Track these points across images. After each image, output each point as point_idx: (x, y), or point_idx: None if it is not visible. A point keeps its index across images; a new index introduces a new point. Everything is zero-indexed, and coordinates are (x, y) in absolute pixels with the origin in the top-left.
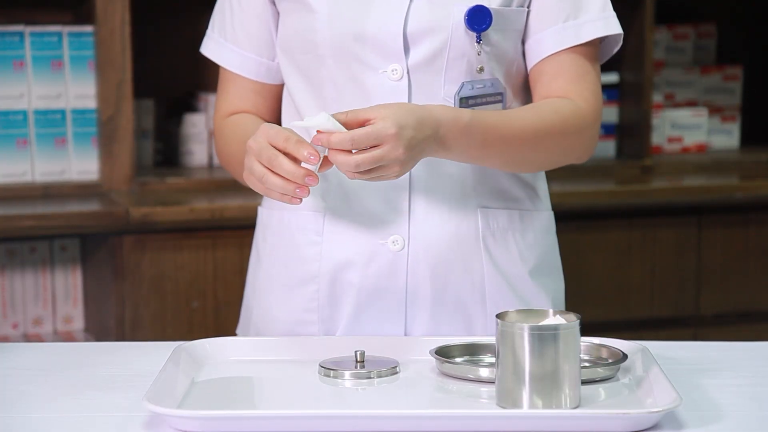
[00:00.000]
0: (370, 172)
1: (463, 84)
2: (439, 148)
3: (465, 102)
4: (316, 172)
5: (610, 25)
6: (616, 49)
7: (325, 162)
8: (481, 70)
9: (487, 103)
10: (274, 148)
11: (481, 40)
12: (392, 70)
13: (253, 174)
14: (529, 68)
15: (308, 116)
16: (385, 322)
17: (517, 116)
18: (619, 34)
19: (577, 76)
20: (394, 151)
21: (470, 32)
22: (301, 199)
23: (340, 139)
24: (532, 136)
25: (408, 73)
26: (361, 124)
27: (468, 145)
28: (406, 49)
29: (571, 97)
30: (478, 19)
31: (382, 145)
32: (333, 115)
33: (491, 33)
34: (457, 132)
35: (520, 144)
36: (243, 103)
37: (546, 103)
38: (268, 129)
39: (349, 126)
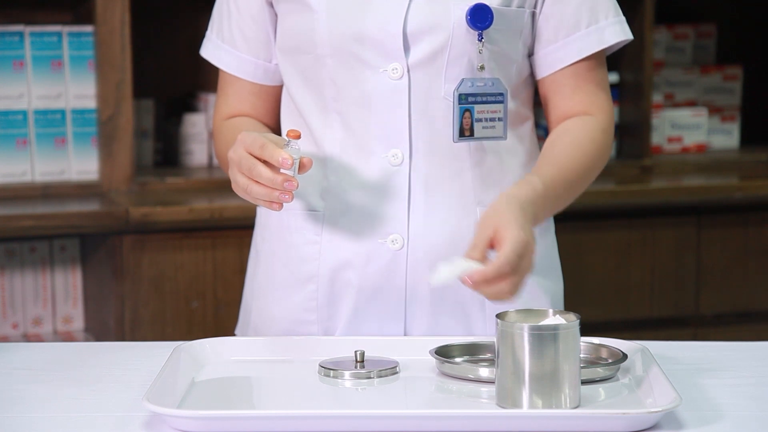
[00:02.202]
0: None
1: (462, 80)
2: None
3: (464, 99)
4: (295, 176)
5: (626, 30)
6: (613, 50)
7: (302, 164)
8: (482, 68)
9: (487, 102)
10: (252, 156)
11: (482, 38)
12: (392, 69)
13: (238, 185)
14: (541, 76)
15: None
16: (385, 321)
17: (569, 161)
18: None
19: (597, 87)
20: (531, 254)
21: (471, 31)
22: (281, 204)
23: (496, 269)
24: (584, 174)
25: (408, 72)
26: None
27: (548, 209)
28: (406, 48)
29: (592, 112)
30: (480, 17)
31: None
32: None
33: (492, 32)
34: (540, 204)
35: (579, 184)
36: (241, 105)
37: (580, 136)
38: (245, 137)
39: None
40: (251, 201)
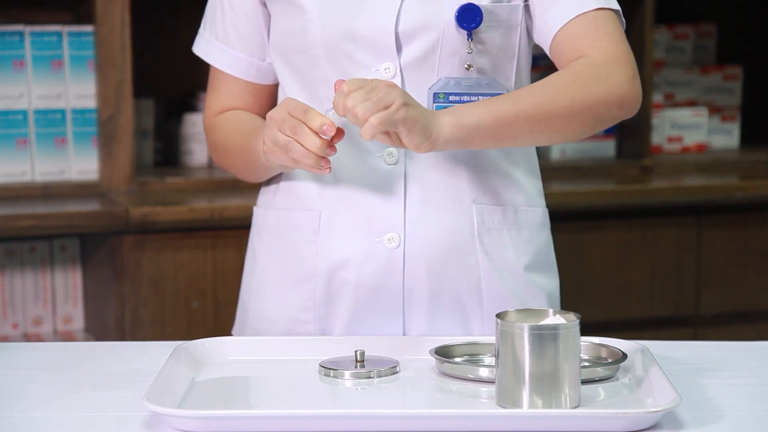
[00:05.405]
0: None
1: (440, 79)
2: (448, 115)
3: (444, 97)
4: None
5: (610, 1)
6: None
7: (338, 133)
8: (469, 67)
9: None
10: (295, 118)
11: (472, 37)
12: (385, 69)
13: (277, 144)
14: (548, 51)
15: None
16: (382, 320)
17: (522, 89)
18: (617, 12)
19: (590, 32)
20: (388, 86)
21: (461, 30)
22: (330, 168)
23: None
24: (547, 98)
25: (401, 71)
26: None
27: (484, 119)
28: (399, 48)
29: (584, 52)
30: (468, 17)
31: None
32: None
33: (483, 30)
34: (455, 109)
35: (538, 107)
36: (235, 101)
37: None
38: (289, 101)
39: None
40: (286, 163)
